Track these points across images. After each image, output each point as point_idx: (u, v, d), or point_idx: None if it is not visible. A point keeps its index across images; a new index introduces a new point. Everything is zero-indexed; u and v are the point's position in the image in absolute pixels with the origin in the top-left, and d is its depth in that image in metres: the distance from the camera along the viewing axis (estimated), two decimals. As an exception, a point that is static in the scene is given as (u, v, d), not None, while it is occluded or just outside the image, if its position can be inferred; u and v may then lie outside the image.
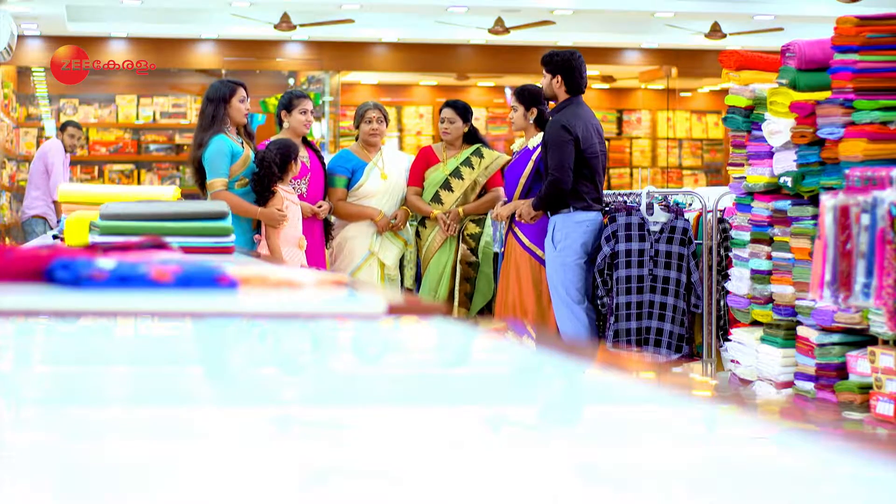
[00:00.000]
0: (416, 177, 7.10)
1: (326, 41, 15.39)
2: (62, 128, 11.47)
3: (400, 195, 7.07)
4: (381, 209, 6.97)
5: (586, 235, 6.59)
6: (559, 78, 6.63)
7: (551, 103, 6.80)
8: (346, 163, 7.04)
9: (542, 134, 6.78)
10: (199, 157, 6.20)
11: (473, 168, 7.10)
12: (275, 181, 6.18)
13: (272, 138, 6.59)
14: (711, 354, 6.63)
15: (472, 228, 7.12)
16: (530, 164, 6.76)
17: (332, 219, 6.96)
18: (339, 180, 6.97)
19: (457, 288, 7.05)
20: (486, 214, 7.17)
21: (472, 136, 7.21)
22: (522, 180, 6.77)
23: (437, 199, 7.06)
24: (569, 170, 6.49)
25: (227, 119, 6.23)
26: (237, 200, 6.10)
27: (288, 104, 6.75)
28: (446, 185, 7.07)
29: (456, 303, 7.03)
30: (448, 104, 7.23)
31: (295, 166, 6.28)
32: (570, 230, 6.55)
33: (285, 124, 6.73)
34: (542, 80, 6.75)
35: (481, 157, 7.13)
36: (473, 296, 7.13)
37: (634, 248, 6.63)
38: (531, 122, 6.86)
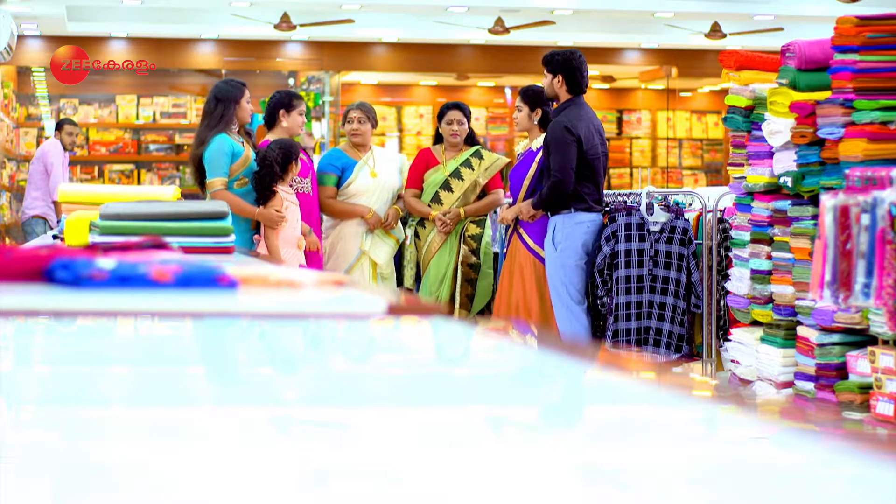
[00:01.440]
0: (415, 179, 7.11)
1: (326, 41, 15.40)
2: (59, 126, 11.46)
3: (390, 194, 7.08)
4: (372, 207, 6.98)
5: (587, 236, 6.58)
6: (560, 78, 6.61)
7: (554, 104, 6.80)
8: (335, 161, 7.07)
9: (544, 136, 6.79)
10: (200, 155, 6.21)
11: (473, 169, 7.11)
12: (276, 180, 6.19)
13: (271, 137, 6.60)
14: (711, 354, 6.63)
15: (473, 229, 7.12)
16: (534, 166, 6.76)
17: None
18: (329, 178, 6.99)
19: (458, 290, 7.05)
20: (486, 215, 7.18)
21: (470, 138, 7.23)
22: (527, 181, 6.77)
23: (436, 199, 7.07)
24: (571, 171, 6.48)
25: (234, 119, 6.25)
26: (236, 200, 6.10)
27: (289, 104, 6.73)
28: (446, 186, 7.08)
29: (457, 305, 7.04)
30: (455, 106, 7.22)
31: (295, 166, 6.29)
32: (571, 231, 6.55)
33: (283, 123, 6.71)
34: (543, 81, 6.74)
35: (481, 158, 7.14)
36: (474, 297, 7.13)
37: (634, 248, 6.63)
38: (535, 122, 6.87)
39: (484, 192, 7.15)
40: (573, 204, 6.54)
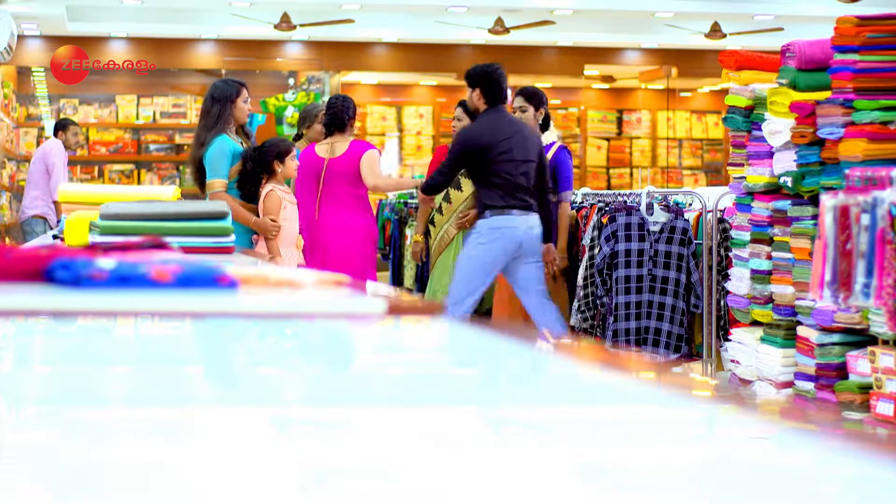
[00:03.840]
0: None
1: (326, 41, 15.40)
2: (62, 127, 11.45)
3: None
4: None
5: (500, 243, 6.45)
6: (478, 91, 6.63)
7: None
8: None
9: (549, 133, 6.89)
10: (201, 157, 6.21)
11: None
12: (253, 179, 6.15)
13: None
14: (711, 354, 6.63)
15: None
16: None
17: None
18: None
19: None
20: None
21: None
22: None
23: (446, 198, 7.15)
24: (440, 176, 6.55)
25: (230, 119, 6.25)
26: (234, 205, 6.10)
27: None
28: (456, 185, 7.14)
29: None
30: (460, 103, 7.36)
31: (284, 166, 6.19)
32: (489, 236, 6.48)
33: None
34: (467, 94, 6.74)
35: None
36: (483, 297, 7.16)
37: (634, 247, 6.64)
38: (539, 122, 6.95)
39: None
40: (487, 209, 6.49)
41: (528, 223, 6.45)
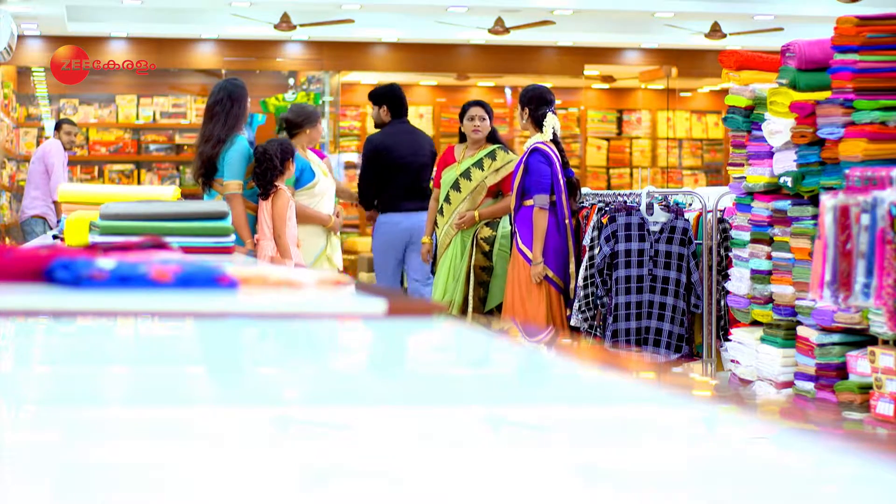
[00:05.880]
0: (436, 178, 7.36)
1: (326, 41, 15.39)
2: (57, 127, 11.46)
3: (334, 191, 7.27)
4: (329, 206, 7.02)
5: (385, 235, 7.66)
6: (385, 107, 7.78)
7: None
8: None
9: (537, 135, 6.88)
10: (216, 154, 6.16)
11: (483, 170, 7.17)
12: (276, 175, 6.18)
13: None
14: (711, 354, 6.63)
15: (486, 232, 7.15)
16: (522, 165, 6.84)
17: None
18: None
19: (471, 293, 7.09)
20: (500, 218, 7.22)
21: (493, 137, 7.28)
22: (516, 181, 6.85)
23: (447, 199, 7.18)
24: (362, 184, 7.81)
25: (243, 119, 6.31)
26: (240, 211, 6.12)
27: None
28: (455, 186, 7.16)
29: (470, 308, 7.08)
30: (477, 103, 7.42)
31: (292, 164, 6.27)
32: (377, 231, 7.74)
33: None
34: (370, 112, 7.96)
35: (493, 159, 7.18)
36: (487, 298, 7.17)
37: (634, 248, 6.64)
38: (524, 121, 6.97)
39: (500, 192, 7.19)
40: (382, 208, 7.67)
41: (412, 220, 7.58)
